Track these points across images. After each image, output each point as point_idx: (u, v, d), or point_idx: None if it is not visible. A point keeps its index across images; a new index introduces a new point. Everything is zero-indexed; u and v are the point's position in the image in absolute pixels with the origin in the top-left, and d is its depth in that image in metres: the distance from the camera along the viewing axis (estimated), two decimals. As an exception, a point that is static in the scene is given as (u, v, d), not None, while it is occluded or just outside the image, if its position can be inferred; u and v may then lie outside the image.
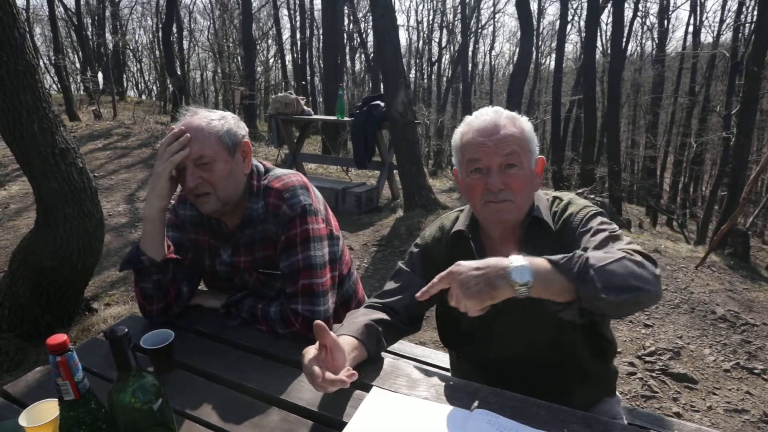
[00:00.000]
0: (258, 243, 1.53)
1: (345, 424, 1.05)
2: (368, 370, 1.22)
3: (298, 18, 25.19)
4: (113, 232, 5.29)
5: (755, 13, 12.00)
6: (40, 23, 25.79)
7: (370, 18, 14.20)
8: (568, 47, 27.19)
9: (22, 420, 0.96)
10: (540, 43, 25.69)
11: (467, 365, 1.45)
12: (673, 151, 20.54)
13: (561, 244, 1.26)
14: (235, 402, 1.16)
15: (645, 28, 25.53)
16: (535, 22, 19.41)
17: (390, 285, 1.43)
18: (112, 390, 0.87)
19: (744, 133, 8.66)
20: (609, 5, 14.03)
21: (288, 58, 27.67)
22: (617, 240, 1.16)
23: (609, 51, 16.39)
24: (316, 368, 1.04)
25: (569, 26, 21.78)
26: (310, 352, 1.10)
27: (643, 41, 28.06)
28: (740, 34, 15.32)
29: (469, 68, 24.02)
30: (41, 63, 19.76)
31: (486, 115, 1.26)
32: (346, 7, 19.35)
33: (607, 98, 14.49)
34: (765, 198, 13.21)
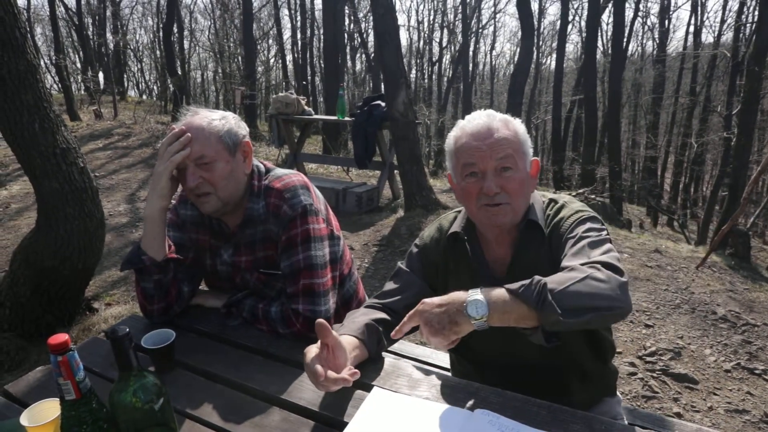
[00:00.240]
0: (259, 243, 1.53)
1: (346, 424, 1.05)
2: (369, 370, 1.22)
3: (298, 18, 25.23)
4: (114, 231, 5.30)
5: (756, 13, 12.01)
6: (41, 23, 25.80)
7: (371, 18, 14.19)
8: (569, 47, 27.19)
9: (23, 420, 0.96)
10: (541, 43, 25.71)
11: (467, 365, 1.45)
12: (673, 151, 20.53)
13: (551, 247, 1.26)
14: (236, 402, 1.16)
15: (646, 28, 25.56)
16: (535, 22, 19.42)
17: (389, 285, 1.43)
18: (114, 390, 0.87)
19: (745, 134, 8.66)
20: (610, 5, 14.02)
21: (289, 57, 27.72)
22: (596, 247, 1.15)
23: (610, 51, 16.39)
24: (319, 367, 1.04)
25: (570, 26, 21.81)
26: (312, 351, 1.10)
27: (644, 41, 28.14)
28: (741, 34, 15.32)
29: (470, 68, 24.04)
30: (42, 63, 19.76)
31: (479, 119, 1.26)
32: (346, 7, 19.36)
33: (608, 98, 14.50)
34: (766, 198, 13.20)
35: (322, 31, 21.72)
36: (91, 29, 23.76)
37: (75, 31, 23.13)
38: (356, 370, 1.09)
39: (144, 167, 7.93)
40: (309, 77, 25.35)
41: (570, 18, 19.70)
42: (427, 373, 1.22)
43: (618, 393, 1.48)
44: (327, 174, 8.24)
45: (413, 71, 28.62)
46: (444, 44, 27.74)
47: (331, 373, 1.05)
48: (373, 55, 21.04)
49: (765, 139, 18.07)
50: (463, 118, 1.34)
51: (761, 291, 3.98)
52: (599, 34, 19.48)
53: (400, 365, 1.27)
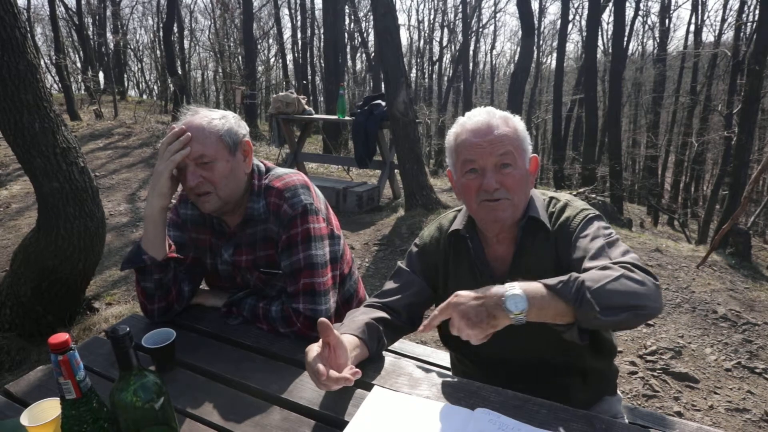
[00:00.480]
0: (259, 242, 1.53)
1: (347, 423, 1.05)
2: (369, 370, 1.22)
3: (299, 17, 25.21)
4: (114, 231, 5.30)
5: (757, 12, 11.99)
6: (41, 23, 25.81)
7: (371, 17, 14.19)
8: (570, 46, 27.19)
9: (24, 419, 0.96)
10: (541, 42, 25.68)
11: (468, 364, 1.45)
12: (674, 150, 20.50)
13: (556, 247, 1.26)
14: (237, 401, 1.16)
15: (646, 27, 25.56)
16: (536, 22, 19.40)
17: (390, 284, 1.43)
18: (114, 389, 0.87)
19: (745, 133, 8.64)
20: (610, 4, 14.02)
21: (289, 57, 27.72)
22: (613, 246, 1.16)
23: (610, 50, 16.35)
24: (321, 366, 1.05)
25: (570, 25, 21.79)
26: (314, 349, 1.10)
27: (645, 40, 28.10)
28: (742, 33, 15.29)
29: (470, 67, 24.05)
30: (42, 62, 19.73)
31: (479, 116, 1.27)
32: (347, 7, 19.35)
33: (609, 97, 14.48)
34: (766, 197, 13.20)
35: (322, 31, 21.72)
36: (91, 29, 23.76)
37: (75, 30, 23.13)
38: (357, 370, 1.09)
39: (144, 167, 7.93)
40: (309, 77, 25.35)
41: (570, 17, 19.70)
42: (428, 372, 1.22)
43: (618, 392, 1.48)
44: (327, 173, 8.24)
45: (413, 70, 28.63)
46: (444, 43, 27.77)
47: (333, 372, 1.05)
48: (373, 54, 21.05)
49: (766, 138, 18.05)
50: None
51: (762, 290, 3.98)
52: (600, 33, 19.48)
53: (401, 364, 1.27)
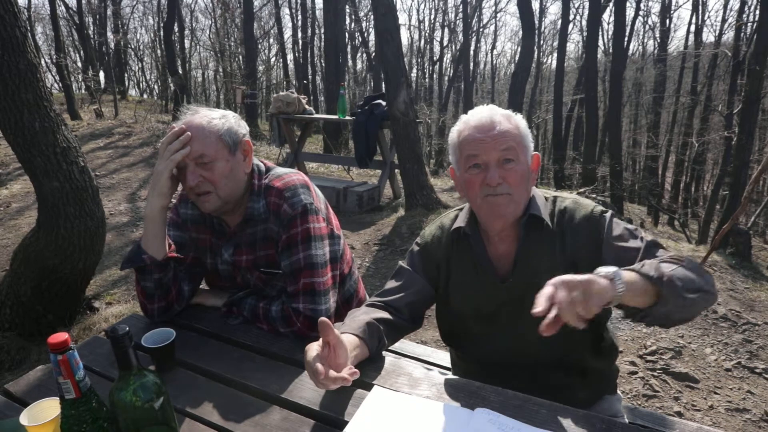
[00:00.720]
0: (259, 242, 1.53)
1: (346, 422, 1.05)
2: (369, 369, 1.22)
3: (299, 17, 25.23)
4: (114, 231, 5.30)
5: (757, 12, 11.97)
6: (42, 22, 25.81)
7: (372, 17, 14.18)
8: (570, 46, 27.16)
9: (23, 419, 0.96)
10: (542, 42, 25.68)
11: (468, 364, 1.45)
12: (674, 150, 20.49)
13: (563, 244, 1.26)
14: (237, 401, 1.16)
15: (647, 27, 25.55)
16: (536, 22, 19.41)
17: (391, 284, 1.43)
18: (114, 389, 0.87)
19: (746, 133, 8.64)
20: (611, 4, 14.01)
21: (289, 57, 27.74)
22: (657, 246, 1.21)
23: (611, 50, 16.34)
24: (319, 365, 1.05)
25: (571, 25, 21.79)
26: (313, 349, 1.10)
27: (645, 40, 28.06)
28: (742, 33, 15.27)
29: (471, 67, 24.05)
30: (43, 62, 19.74)
31: (482, 113, 1.28)
32: (347, 6, 19.35)
33: (609, 97, 14.48)
34: (767, 197, 13.19)
35: (322, 30, 21.70)
36: (91, 28, 23.76)
37: (76, 30, 23.14)
38: (356, 370, 1.09)
39: (144, 166, 7.93)
40: (310, 76, 25.35)
41: (571, 17, 19.67)
42: (428, 371, 1.22)
43: (618, 391, 1.48)
44: (328, 173, 8.24)
45: (414, 70, 28.62)
46: (445, 43, 27.77)
47: (332, 372, 1.05)
48: (374, 54, 21.05)
49: (766, 138, 18.06)
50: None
51: (762, 290, 3.97)
52: (600, 33, 19.45)
53: (401, 364, 1.27)
